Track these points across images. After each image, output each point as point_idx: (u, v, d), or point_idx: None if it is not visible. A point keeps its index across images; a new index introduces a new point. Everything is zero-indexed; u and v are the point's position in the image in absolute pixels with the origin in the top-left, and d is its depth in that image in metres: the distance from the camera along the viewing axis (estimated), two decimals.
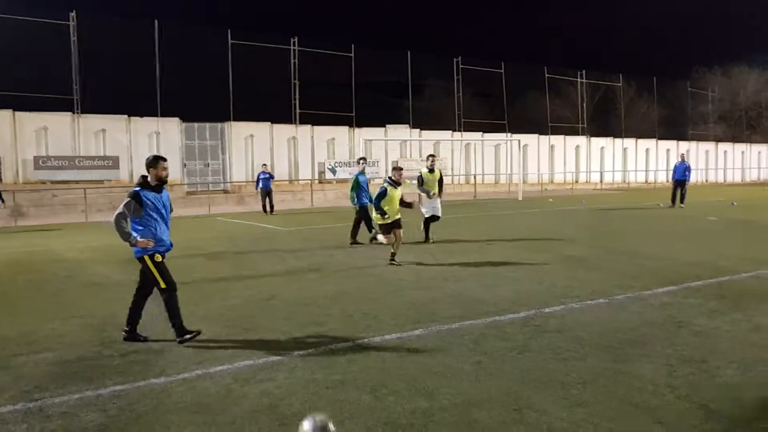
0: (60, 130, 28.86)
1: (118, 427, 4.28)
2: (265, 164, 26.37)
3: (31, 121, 28.35)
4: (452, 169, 39.47)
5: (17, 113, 28.01)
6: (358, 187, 13.88)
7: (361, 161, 15.07)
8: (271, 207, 23.89)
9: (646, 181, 50.08)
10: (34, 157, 27.68)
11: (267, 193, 24.01)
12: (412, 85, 41.53)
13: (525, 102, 48.12)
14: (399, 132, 38.73)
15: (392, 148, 38.15)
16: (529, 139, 42.94)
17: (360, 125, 37.44)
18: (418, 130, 39.53)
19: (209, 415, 4.44)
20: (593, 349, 5.82)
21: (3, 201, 19.84)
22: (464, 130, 42.23)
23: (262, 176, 24.37)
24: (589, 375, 5.12)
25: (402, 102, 41.95)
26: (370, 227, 13.48)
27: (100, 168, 28.73)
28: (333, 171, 35.58)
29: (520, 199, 30.60)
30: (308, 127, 35.77)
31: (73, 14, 29.91)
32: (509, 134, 41.64)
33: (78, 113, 29.69)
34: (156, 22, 31.57)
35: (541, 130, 45.34)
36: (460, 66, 43.04)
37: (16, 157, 27.84)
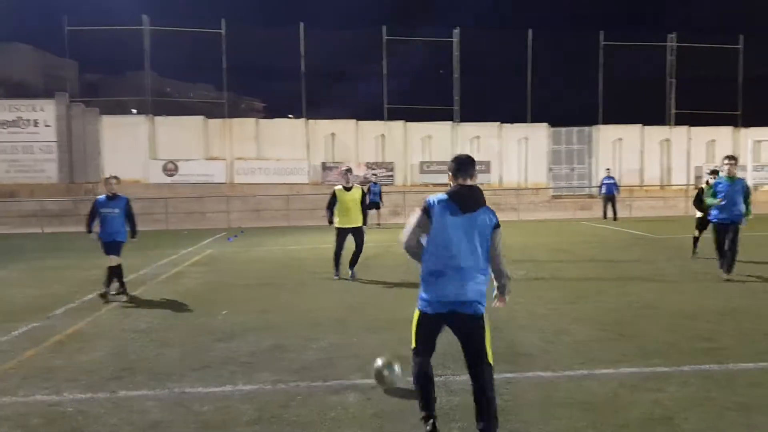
0: (441, 137, 31.98)
1: (512, 411, 4.62)
2: (608, 169, 25.45)
3: (418, 130, 32.03)
4: None
5: (407, 123, 31.92)
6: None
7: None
8: (614, 213, 22.92)
9: None
10: (420, 162, 31.27)
11: (609, 198, 23.17)
12: None
13: None
14: None
15: None
16: None
17: (747, 125, 33.22)
18: None
19: (599, 415, 4.51)
20: None
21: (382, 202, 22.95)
22: None
23: (606, 181, 23.59)
24: None
25: None
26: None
27: None
28: (717, 172, 32.23)
29: None
30: (684, 128, 33.11)
31: (457, 31, 32.77)
32: None
33: (457, 122, 32.49)
34: (530, 31, 32.70)
35: None
36: None
37: (406, 161, 31.73)
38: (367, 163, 30.82)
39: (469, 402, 4.78)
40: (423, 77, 33.90)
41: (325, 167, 30.47)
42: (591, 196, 30.88)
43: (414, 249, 4.13)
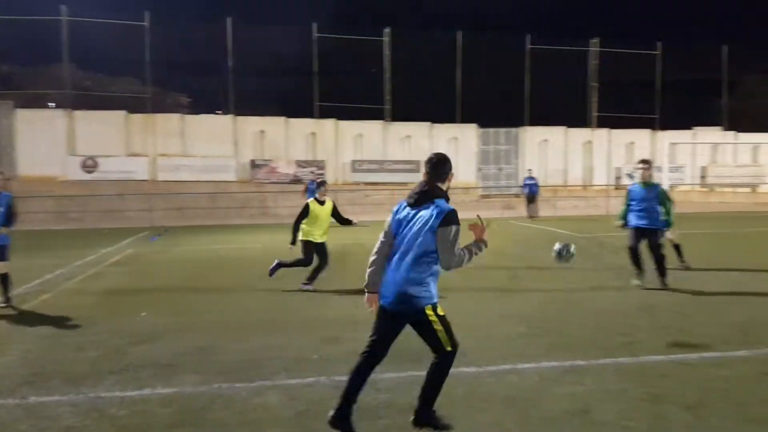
0: (373, 136, 32.05)
1: (438, 406, 4.65)
2: (530, 169, 26.34)
3: (350, 128, 32.00)
4: None
5: (339, 122, 31.84)
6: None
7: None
8: (535, 212, 23.76)
9: None
10: (352, 160, 31.26)
11: (532, 198, 23.98)
12: (728, 83, 37.26)
13: None
14: (709, 135, 35.12)
15: (701, 153, 34.75)
16: None
17: (664, 128, 34.83)
18: (734, 132, 35.38)
19: (521, 408, 4.60)
20: None
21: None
22: None
23: (528, 181, 24.39)
24: None
25: (713, 102, 37.87)
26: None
27: (404, 171, 31.24)
28: (631, 176, 33.67)
29: None
30: (605, 130, 34.42)
31: (387, 30, 32.91)
32: None
33: (388, 121, 32.66)
34: (460, 32, 33.23)
35: None
36: None
37: (337, 160, 31.63)
38: (297, 161, 30.55)
39: (396, 399, 4.80)
40: (354, 76, 33.84)
41: (253, 165, 29.99)
42: (517, 196, 31.68)
43: (377, 263, 4.26)
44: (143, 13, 30.00)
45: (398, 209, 4.22)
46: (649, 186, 9.24)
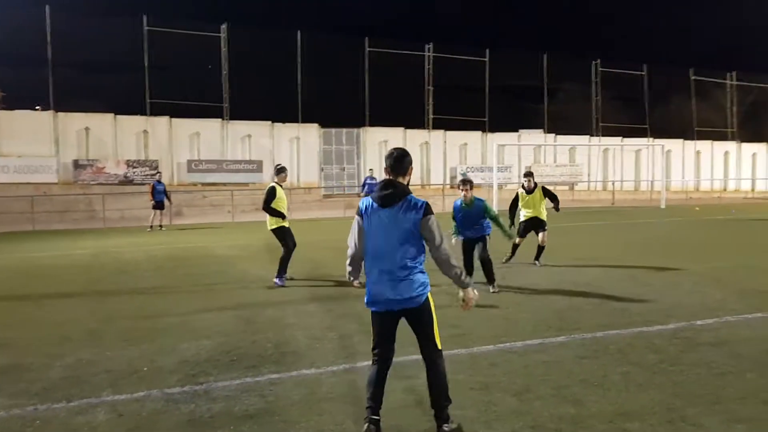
0: (210, 135, 31.02)
1: (276, 412, 4.57)
2: (371, 169, 26.97)
3: (185, 126, 30.70)
4: (589, 175, 38.14)
5: (173, 119, 30.45)
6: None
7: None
8: None
9: None
10: (188, 160, 30.00)
11: None
12: (548, 89, 40.59)
13: (668, 105, 45.45)
14: (533, 137, 37.99)
15: (525, 154, 37.49)
16: (673, 145, 40.60)
17: (493, 130, 37.13)
18: (554, 135, 38.57)
19: (359, 407, 4.63)
20: (753, 364, 5.43)
21: (170, 201, 21.36)
22: (602, 135, 40.67)
23: (368, 181, 24.87)
24: (749, 391, 4.80)
25: (536, 106, 41.11)
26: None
27: (245, 171, 30.58)
28: (464, 175, 35.52)
29: (663, 207, 28.99)
30: (441, 132, 36.01)
31: (224, 26, 32.02)
32: (651, 139, 39.63)
33: (227, 120, 31.77)
34: (299, 32, 33.13)
35: (686, 135, 42.74)
36: (599, 68, 41.51)
37: (172, 159, 30.24)
38: (128, 161, 28.81)
39: (231, 408, 4.63)
40: (190, 72, 32.54)
41: (77, 165, 27.82)
42: (359, 195, 32.19)
43: (356, 261, 4.19)
44: None
45: (366, 210, 4.06)
46: (471, 205, 9.13)
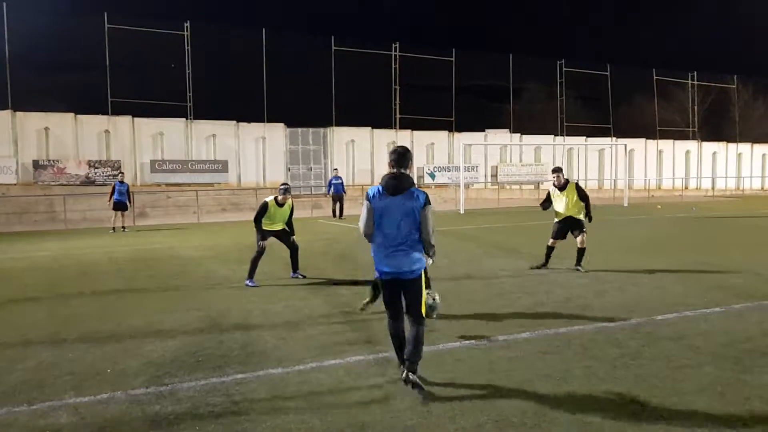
0: (174, 135, 30.63)
1: (242, 411, 4.56)
2: (336, 169, 26.93)
3: (148, 126, 30.27)
4: None
5: (136, 119, 29.99)
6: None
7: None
8: (341, 212, 24.21)
9: (762, 188, 47.06)
10: (151, 160, 29.58)
11: (338, 198, 24.35)
12: (513, 89, 41.06)
13: (631, 105, 46.38)
14: (499, 137, 38.38)
15: (492, 153, 37.86)
16: (636, 144, 41.42)
17: (459, 130, 37.40)
18: (519, 134, 39.01)
19: (325, 404, 4.65)
20: (711, 357, 5.60)
21: (131, 202, 20.87)
22: (567, 135, 41.29)
23: (334, 181, 24.80)
24: (707, 383, 4.95)
25: (502, 106, 41.55)
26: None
27: (210, 171, 30.27)
28: (432, 176, 35.74)
29: (626, 205, 29.57)
30: (408, 131, 36.14)
31: (187, 24, 31.65)
32: (614, 138, 40.36)
33: (191, 119, 31.41)
34: (264, 30, 32.92)
35: (649, 134, 43.65)
36: (564, 69, 42.12)
37: (135, 160, 29.78)
38: (90, 161, 28.29)
39: (198, 408, 4.59)
40: (152, 71, 32.10)
41: (37, 165, 27.23)
42: (326, 196, 32.12)
43: (369, 236, 4.98)
44: None
45: (374, 196, 4.92)
46: None
